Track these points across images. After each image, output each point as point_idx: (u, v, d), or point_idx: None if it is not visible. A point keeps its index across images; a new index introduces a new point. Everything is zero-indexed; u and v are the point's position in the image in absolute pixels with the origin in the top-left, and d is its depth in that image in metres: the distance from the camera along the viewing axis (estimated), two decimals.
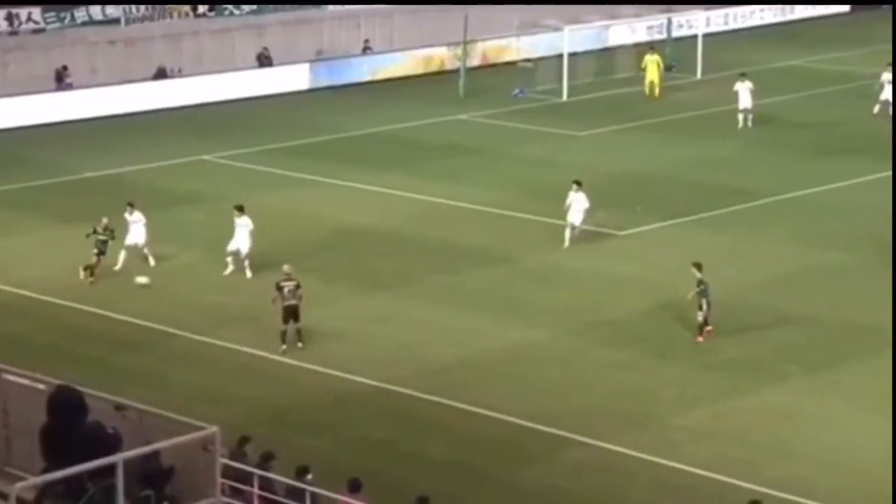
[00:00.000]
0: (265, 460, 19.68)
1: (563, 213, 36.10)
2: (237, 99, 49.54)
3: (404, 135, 45.16)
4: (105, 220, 31.55)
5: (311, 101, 50.14)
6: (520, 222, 35.42)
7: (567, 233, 33.06)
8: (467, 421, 24.47)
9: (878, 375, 25.77)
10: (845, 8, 65.76)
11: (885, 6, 65.97)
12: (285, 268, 27.82)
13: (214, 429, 13.32)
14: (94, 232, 31.41)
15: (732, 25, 61.26)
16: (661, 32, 56.14)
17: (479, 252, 33.10)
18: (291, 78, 51.58)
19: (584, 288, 30.75)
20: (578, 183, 33.31)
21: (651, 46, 50.15)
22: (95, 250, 31.15)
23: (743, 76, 44.44)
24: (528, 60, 53.84)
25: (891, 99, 44.73)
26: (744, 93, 43.81)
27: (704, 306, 27.30)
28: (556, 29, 52.01)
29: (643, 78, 49.25)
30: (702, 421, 24.24)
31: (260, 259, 31.59)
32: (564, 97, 49.27)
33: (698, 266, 27.77)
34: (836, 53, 56.20)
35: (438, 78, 52.84)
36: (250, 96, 49.93)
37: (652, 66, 48.78)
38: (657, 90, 48.48)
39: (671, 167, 40.41)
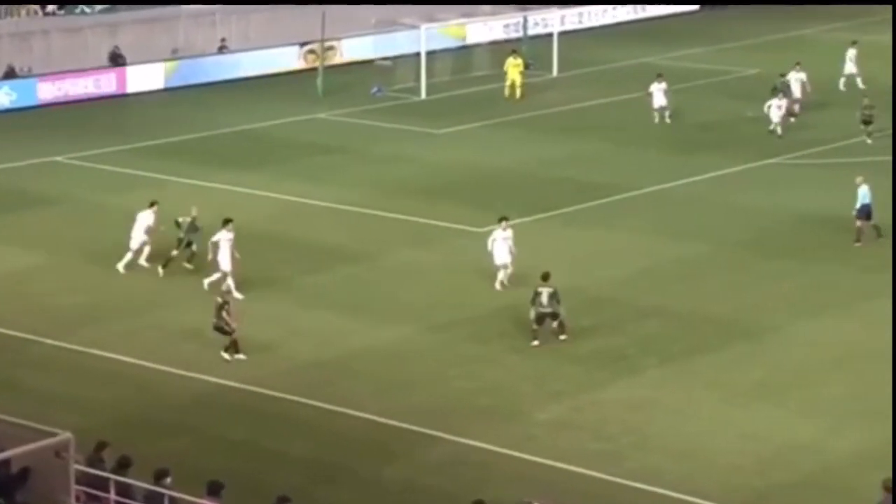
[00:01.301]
0: (122, 465, 19.36)
1: (422, 210, 36.29)
2: (90, 98, 48.66)
3: (263, 134, 44.86)
4: (194, 212, 31.23)
5: (166, 101, 49.49)
6: (380, 220, 35.47)
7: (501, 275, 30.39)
8: (328, 419, 24.44)
9: (731, 365, 26.42)
10: (695, 7, 67.16)
11: (731, 6, 67.77)
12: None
13: (68, 434, 13.12)
14: (178, 225, 31.10)
15: (587, 24, 62.14)
16: (517, 31, 56.65)
17: (339, 251, 33.05)
18: (146, 77, 50.84)
19: (444, 285, 30.91)
20: (506, 219, 30.66)
21: (513, 50, 50.48)
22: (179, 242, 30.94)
23: (659, 77, 45.09)
24: (386, 59, 53.89)
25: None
26: (658, 93, 44.52)
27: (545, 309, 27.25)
28: (413, 27, 52.16)
29: (506, 80, 49.53)
30: (561, 414, 24.56)
31: (111, 259, 31.19)
32: (423, 95, 49.44)
33: (545, 276, 27.82)
34: (688, 51, 57.37)
35: (296, 77, 52.59)
36: (103, 95, 49.10)
37: (513, 69, 49.10)
38: (518, 91, 48.86)
39: (530, 164, 40.83)
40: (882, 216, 33.77)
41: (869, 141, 41.60)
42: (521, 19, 56.27)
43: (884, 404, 24.62)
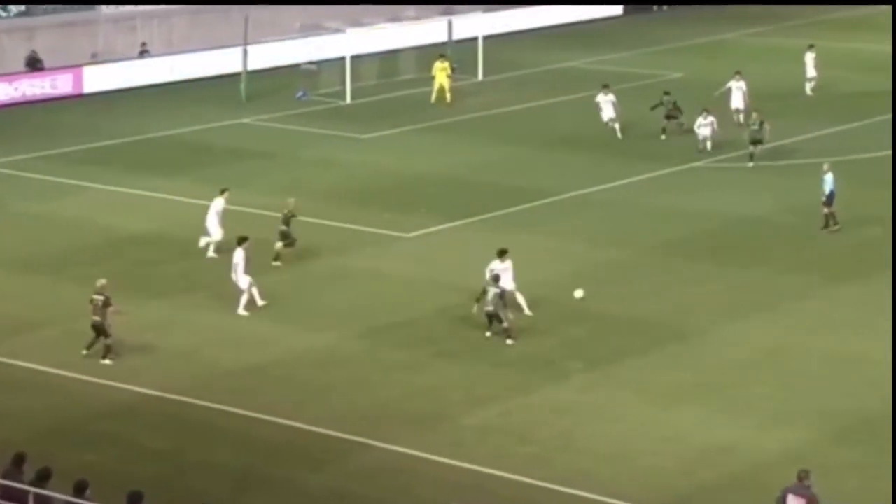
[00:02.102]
0: (42, 478, 19.10)
1: (349, 216, 36.19)
2: (6, 104, 47.98)
3: (186, 139, 44.52)
4: (292, 201, 32.47)
5: (86, 106, 48.94)
6: (306, 226, 35.26)
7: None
8: (253, 427, 24.27)
9: (656, 368, 26.62)
10: (618, 10, 67.64)
11: (655, 8, 68.36)
12: (98, 283, 26.98)
13: None
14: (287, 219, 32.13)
15: (513, 27, 62.30)
16: (442, 35, 56.66)
17: (264, 257, 32.82)
18: (65, 81, 50.22)
19: (371, 290, 30.84)
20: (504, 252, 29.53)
21: (441, 54, 50.35)
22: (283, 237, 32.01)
23: (605, 87, 44.35)
24: (311, 63, 53.71)
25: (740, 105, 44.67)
26: (606, 105, 43.99)
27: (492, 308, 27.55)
28: (338, 31, 52.03)
29: (433, 85, 49.45)
30: (489, 419, 24.58)
31: (32, 268, 30.77)
32: (348, 100, 49.33)
33: (496, 278, 27.88)
34: (612, 55, 57.75)
35: (219, 81, 52.23)
36: (20, 100, 48.42)
37: (440, 73, 49.01)
38: (447, 95, 48.79)
39: (456, 168, 40.88)
40: (660, 219, 34.95)
41: (750, 164, 39.55)
42: (446, 23, 56.33)
43: (808, 404, 24.96)
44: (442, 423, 24.44)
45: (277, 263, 31.90)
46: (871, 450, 23.29)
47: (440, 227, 35.30)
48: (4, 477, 18.04)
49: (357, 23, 53.75)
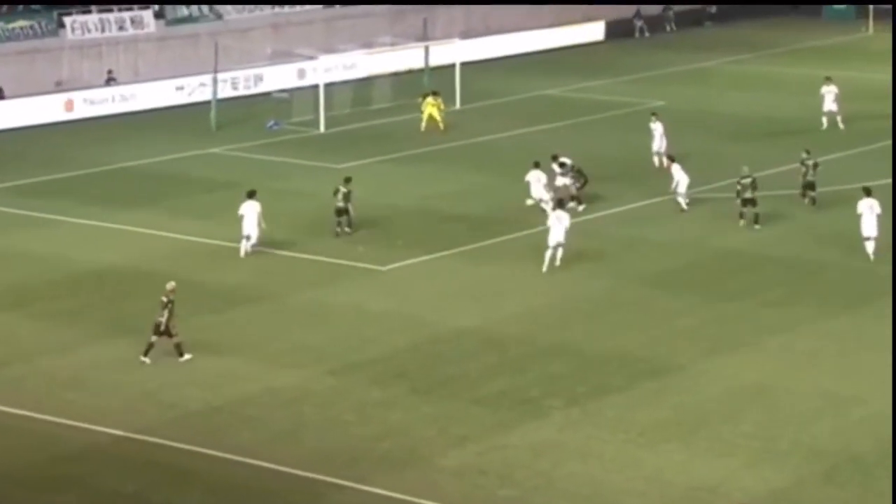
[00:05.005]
0: None
1: (322, 249, 36.07)
2: None
3: (154, 170, 44.38)
4: (343, 189, 36.89)
5: (50, 136, 48.76)
6: (280, 259, 35.22)
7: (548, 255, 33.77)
8: (223, 469, 24.06)
9: (636, 405, 26.50)
10: (600, 37, 67.95)
11: (637, 35, 68.75)
12: (169, 285, 28.33)
13: None
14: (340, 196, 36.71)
15: (490, 55, 62.45)
16: (419, 61, 56.74)
17: (237, 291, 32.72)
18: (28, 111, 50.03)
19: (344, 325, 30.72)
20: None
21: (434, 92, 49.85)
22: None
23: (654, 116, 44.13)
24: (283, 91, 53.70)
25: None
26: (658, 136, 43.76)
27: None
28: (311, 58, 52.06)
29: (422, 114, 49.10)
30: (466, 459, 24.43)
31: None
32: (322, 129, 49.30)
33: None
34: (592, 82, 57.92)
35: (188, 110, 52.17)
36: None
37: (431, 108, 48.82)
38: (441, 125, 48.62)
39: (433, 199, 40.84)
40: (648, 251, 35.36)
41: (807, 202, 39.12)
42: (422, 49, 56.42)
43: (794, 443, 24.89)
44: (417, 463, 24.29)
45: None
46: (861, 491, 23.23)
47: (416, 259, 35.23)
48: None
49: (331, 49, 53.84)
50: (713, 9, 73.91)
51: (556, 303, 32.09)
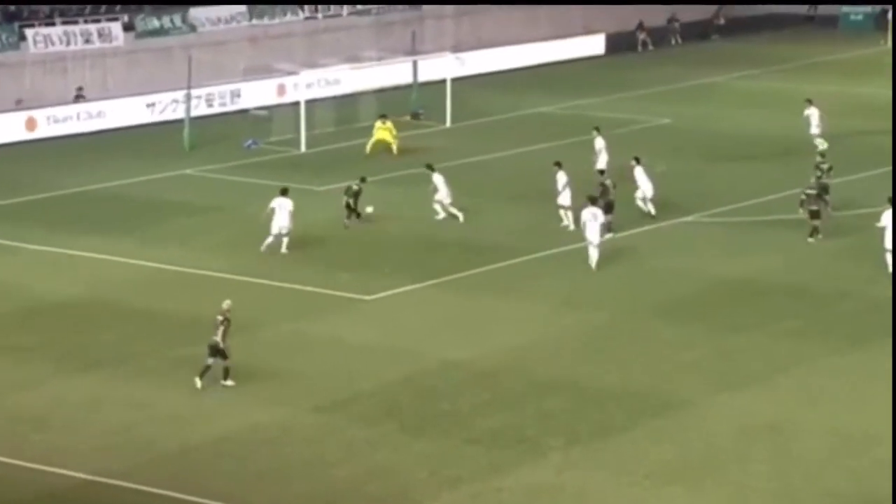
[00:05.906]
0: None
1: (305, 277, 36.18)
2: None
3: (123, 193, 44.51)
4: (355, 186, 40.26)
5: (11, 157, 48.84)
6: (258, 288, 35.33)
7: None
8: None
9: (639, 445, 26.60)
10: (600, 51, 68.33)
11: (640, 49, 69.15)
12: (224, 304, 29.36)
13: None
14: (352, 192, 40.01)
15: (482, 70, 62.69)
16: (406, 77, 56.98)
17: (211, 323, 32.78)
18: None
19: (328, 359, 30.85)
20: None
21: (382, 115, 49.63)
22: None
23: (597, 130, 44.69)
24: (261, 108, 53.91)
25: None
26: (601, 152, 44.05)
27: None
28: (291, 73, 52.28)
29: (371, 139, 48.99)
30: (459, 502, 24.55)
31: None
32: (303, 148, 49.51)
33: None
34: (592, 99, 58.17)
35: (159, 128, 52.36)
36: None
37: (382, 132, 48.70)
38: (394, 148, 48.59)
39: (419, 224, 40.92)
40: (643, 278, 35.66)
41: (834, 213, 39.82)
42: (410, 65, 56.67)
43: (809, 485, 25.01)
44: None
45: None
46: None
47: (403, 288, 35.39)
48: None
49: (312, 64, 54.06)
50: (721, 20, 74.36)
51: (551, 333, 32.25)
